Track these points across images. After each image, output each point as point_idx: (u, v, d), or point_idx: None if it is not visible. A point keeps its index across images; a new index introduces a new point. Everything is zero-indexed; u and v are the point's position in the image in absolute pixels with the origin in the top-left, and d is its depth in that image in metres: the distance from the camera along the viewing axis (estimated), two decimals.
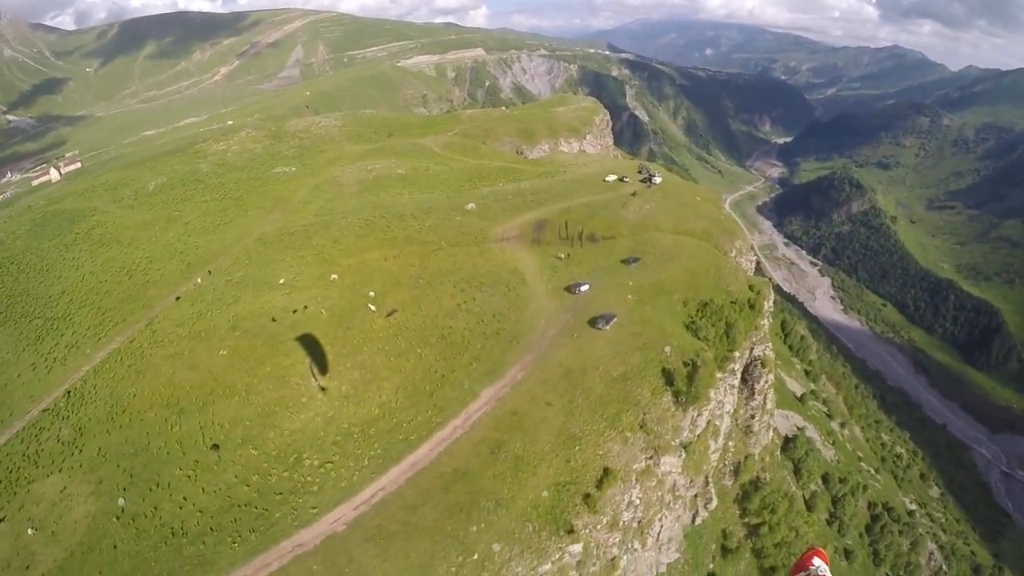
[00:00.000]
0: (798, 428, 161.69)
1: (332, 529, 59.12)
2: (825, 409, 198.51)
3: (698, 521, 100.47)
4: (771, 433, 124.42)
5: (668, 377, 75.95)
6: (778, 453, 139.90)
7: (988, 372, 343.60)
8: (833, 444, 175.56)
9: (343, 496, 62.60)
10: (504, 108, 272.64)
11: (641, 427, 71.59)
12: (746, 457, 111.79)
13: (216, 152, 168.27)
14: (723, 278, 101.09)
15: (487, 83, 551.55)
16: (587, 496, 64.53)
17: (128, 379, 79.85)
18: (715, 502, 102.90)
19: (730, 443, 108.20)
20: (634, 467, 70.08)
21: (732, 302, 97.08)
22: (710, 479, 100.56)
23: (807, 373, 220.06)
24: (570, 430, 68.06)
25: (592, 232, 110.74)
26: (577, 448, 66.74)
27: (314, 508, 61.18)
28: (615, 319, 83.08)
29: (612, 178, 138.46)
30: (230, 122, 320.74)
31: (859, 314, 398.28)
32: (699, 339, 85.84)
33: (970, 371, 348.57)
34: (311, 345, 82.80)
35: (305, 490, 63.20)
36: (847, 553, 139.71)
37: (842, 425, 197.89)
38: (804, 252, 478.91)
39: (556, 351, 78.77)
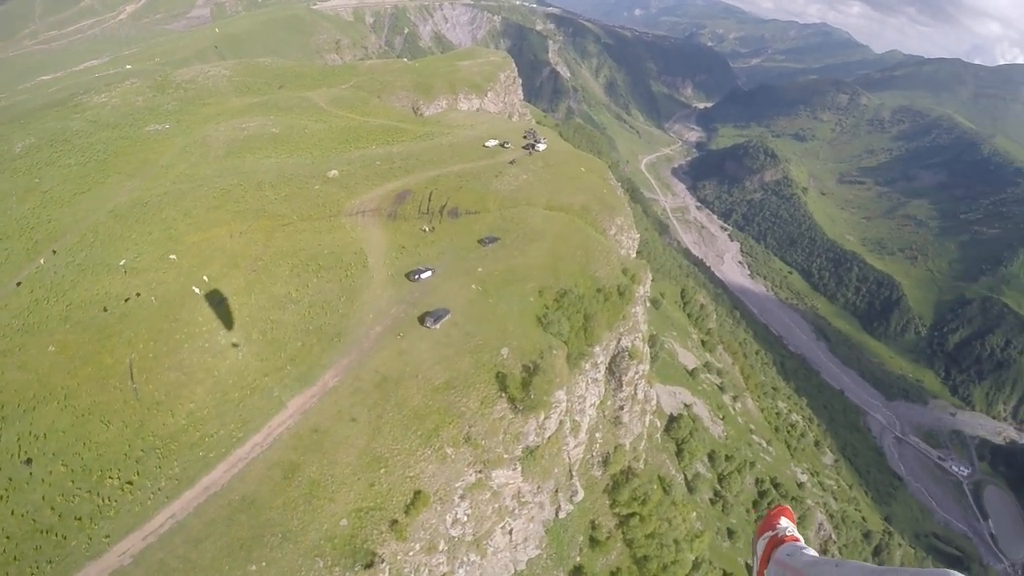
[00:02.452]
0: (685, 405, 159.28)
1: (119, 563, 54.74)
2: (719, 381, 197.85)
3: (562, 515, 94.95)
4: (647, 419, 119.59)
5: (502, 383, 67.87)
6: (658, 436, 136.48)
7: (886, 342, 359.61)
8: (723, 419, 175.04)
9: (136, 523, 57.78)
10: (405, 60, 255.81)
11: (466, 441, 63.59)
12: (616, 448, 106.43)
13: (95, 106, 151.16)
14: (592, 262, 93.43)
15: (406, 30, 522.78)
16: (394, 523, 56.91)
17: None
18: (581, 494, 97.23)
19: (597, 435, 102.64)
20: (456, 485, 62.36)
21: (598, 290, 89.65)
22: (574, 472, 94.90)
23: (704, 343, 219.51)
24: (375, 450, 59.52)
25: (456, 206, 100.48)
26: (383, 470, 58.52)
27: (107, 536, 56.50)
28: (448, 316, 73.65)
29: (493, 143, 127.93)
30: (128, 66, 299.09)
31: (765, 280, 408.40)
32: (551, 335, 78.00)
33: (869, 340, 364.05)
34: (134, 341, 73.91)
35: (103, 515, 58.45)
36: (730, 533, 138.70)
37: (735, 398, 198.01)
38: (715, 216, 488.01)
39: (376, 354, 69.06)
